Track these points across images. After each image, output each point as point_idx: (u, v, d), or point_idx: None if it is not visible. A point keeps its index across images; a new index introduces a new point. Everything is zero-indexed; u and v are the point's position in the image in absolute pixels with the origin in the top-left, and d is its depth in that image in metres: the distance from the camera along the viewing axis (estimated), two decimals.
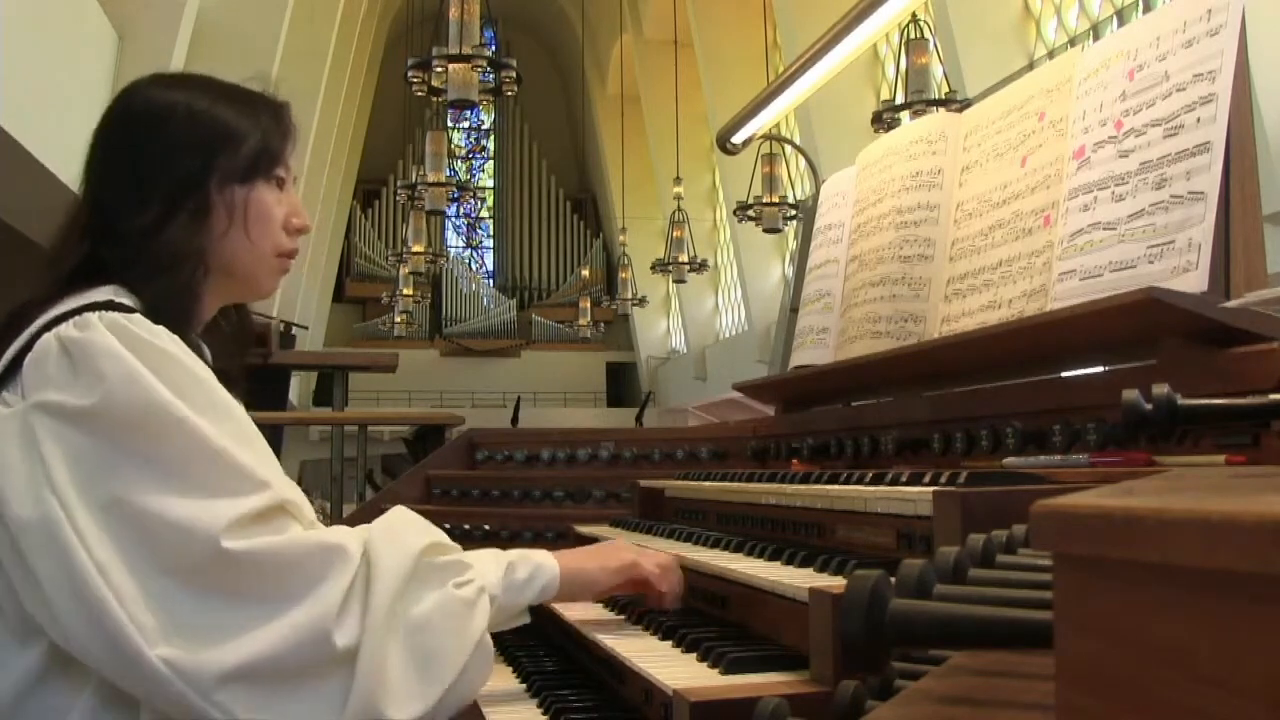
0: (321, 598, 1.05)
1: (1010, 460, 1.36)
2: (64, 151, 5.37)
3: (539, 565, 1.30)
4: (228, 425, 1.11)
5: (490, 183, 25.53)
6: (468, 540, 2.53)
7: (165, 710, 1.03)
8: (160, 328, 1.14)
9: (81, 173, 1.28)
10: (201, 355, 1.23)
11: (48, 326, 1.12)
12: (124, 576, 1.02)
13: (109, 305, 1.14)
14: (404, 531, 1.16)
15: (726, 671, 1.09)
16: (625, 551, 1.42)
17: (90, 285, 1.18)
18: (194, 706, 1.00)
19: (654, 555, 1.43)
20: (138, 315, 1.15)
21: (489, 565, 1.24)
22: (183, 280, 1.23)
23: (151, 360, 1.10)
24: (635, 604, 1.48)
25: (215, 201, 1.25)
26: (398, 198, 11.17)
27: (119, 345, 1.09)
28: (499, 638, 1.67)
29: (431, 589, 1.12)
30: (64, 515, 1.03)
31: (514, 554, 1.30)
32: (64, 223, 1.27)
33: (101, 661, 1.03)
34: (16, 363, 1.12)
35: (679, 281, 12.73)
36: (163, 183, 1.23)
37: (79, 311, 1.13)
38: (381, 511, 1.20)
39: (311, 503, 1.36)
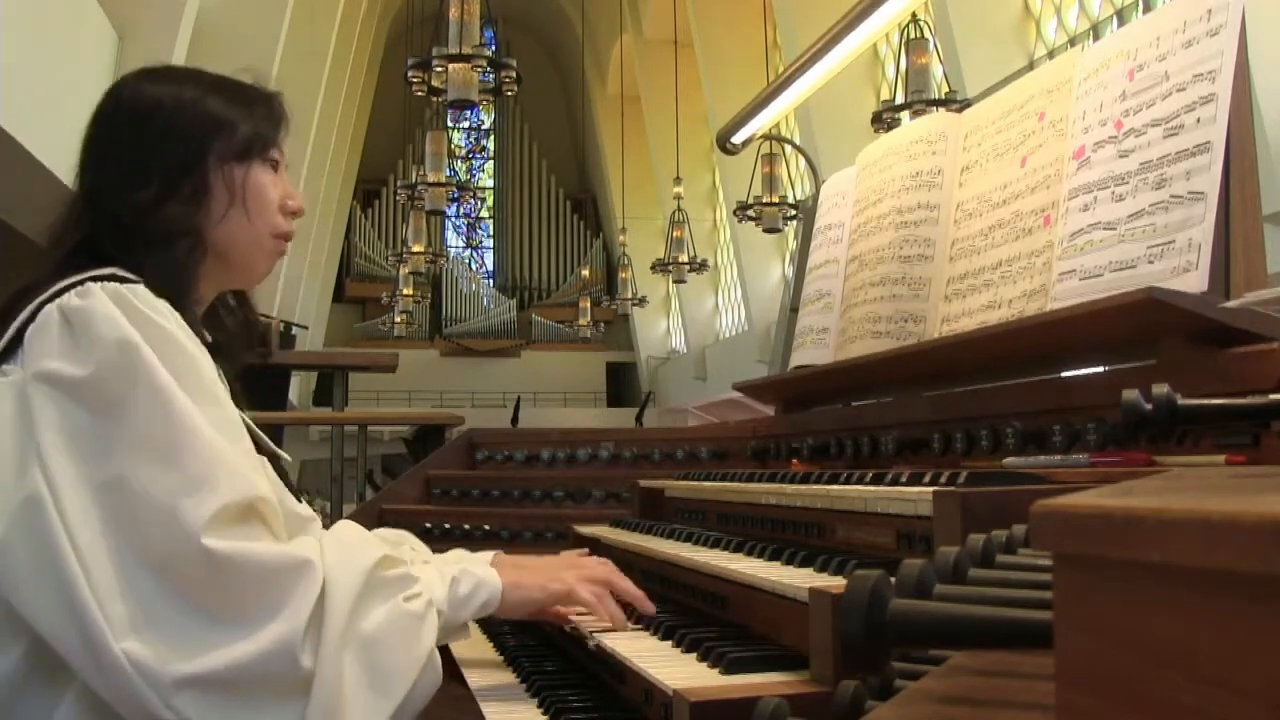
0: (292, 614, 1.04)
1: (1010, 460, 1.36)
2: (64, 151, 5.34)
3: (481, 581, 1.31)
4: (214, 411, 1.11)
5: (490, 183, 25.53)
6: (468, 540, 2.53)
7: (121, 711, 1.01)
8: (162, 302, 1.15)
9: (76, 167, 1.29)
10: (201, 337, 1.23)
11: (51, 299, 1.13)
12: (103, 562, 1.01)
13: (112, 277, 1.15)
14: (356, 547, 1.15)
15: (726, 671, 1.08)
16: (567, 573, 1.43)
17: (90, 266, 1.18)
18: (149, 705, 0.99)
19: (591, 583, 1.42)
20: (141, 287, 1.15)
21: (434, 579, 1.24)
22: (178, 256, 1.23)
23: (148, 333, 1.10)
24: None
25: (214, 181, 1.26)
26: (398, 198, 11.17)
27: (118, 312, 1.10)
28: (500, 638, 1.68)
29: (382, 602, 1.12)
30: (49, 493, 1.02)
31: (456, 568, 1.31)
32: (61, 213, 1.28)
33: (69, 648, 1.01)
34: (20, 336, 1.13)
35: (679, 281, 12.72)
36: (158, 166, 1.24)
37: (82, 283, 1.13)
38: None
39: (311, 504, 1.36)
